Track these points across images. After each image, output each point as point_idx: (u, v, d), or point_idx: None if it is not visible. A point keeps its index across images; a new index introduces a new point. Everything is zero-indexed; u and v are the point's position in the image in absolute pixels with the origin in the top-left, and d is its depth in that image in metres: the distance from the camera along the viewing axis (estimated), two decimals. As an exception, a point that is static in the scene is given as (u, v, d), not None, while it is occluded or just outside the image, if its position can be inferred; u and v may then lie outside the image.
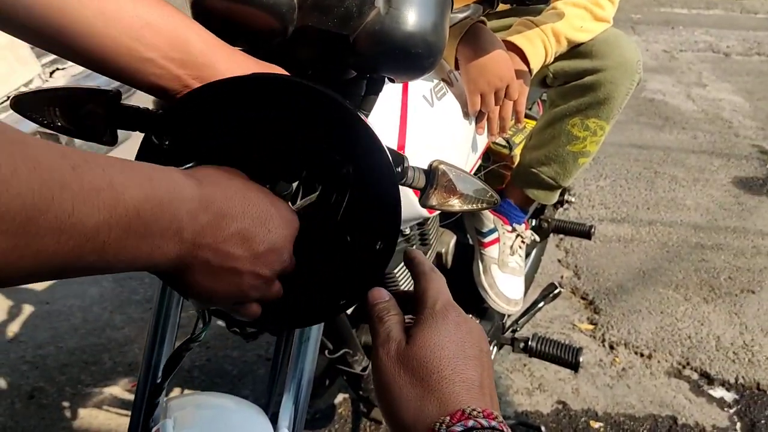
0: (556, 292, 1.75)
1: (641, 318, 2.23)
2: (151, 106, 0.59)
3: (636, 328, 2.18)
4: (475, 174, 1.04)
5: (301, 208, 0.54)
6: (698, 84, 4.64)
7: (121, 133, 0.59)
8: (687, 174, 3.30)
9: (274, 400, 0.91)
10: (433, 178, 0.63)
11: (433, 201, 0.65)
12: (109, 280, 2.40)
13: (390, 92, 0.89)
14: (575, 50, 1.25)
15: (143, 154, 0.51)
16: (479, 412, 0.42)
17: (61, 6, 0.47)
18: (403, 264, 1.14)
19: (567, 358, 1.57)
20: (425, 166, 0.64)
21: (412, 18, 0.56)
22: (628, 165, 3.39)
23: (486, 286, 1.47)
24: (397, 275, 1.16)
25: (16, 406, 1.84)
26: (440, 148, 1.00)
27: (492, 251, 1.48)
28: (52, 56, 2.64)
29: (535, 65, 1.18)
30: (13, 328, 2.16)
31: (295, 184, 0.55)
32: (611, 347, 2.10)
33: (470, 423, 0.41)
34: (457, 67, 1.10)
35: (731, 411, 1.86)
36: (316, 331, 0.79)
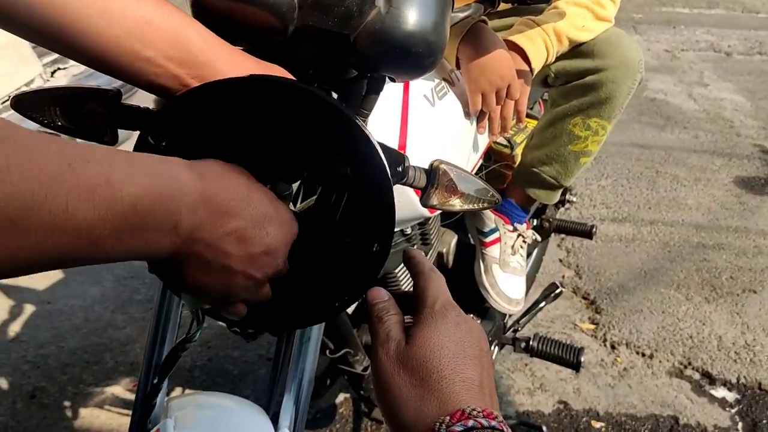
0: (557, 291, 1.74)
1: (643, 318, 2.23)
2: (152, 106, 0.58)
3: (637, 327, 2.18)
4: (476, 174, 1.04)
5: (302, 211, 0.54)
6: (700, 83, 4.64)
7: (122, 132, 0.59)
8: (688, 174, 3.29)
9: (275, 400, 0.91)
10: (434, 177, 0.63)
11: (434, 200, 0.65)
12: (110, 280, 2.40)
13: (391, 91, 0.89)
14: (577, 50, 1.25)
15: None
16: (479, 412, 0.42)
17: (62, 5, 0.47)
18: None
19: (568, 357, 1.57)
20: (426, 166, 0.64)
21: (412, 17, 0.56)
22: (629, 164, 3.39)
23: (487, 285, 1.47)
24: (399, 275, 1.16)
25: (18, 406, 1.84)
26: (441, 148, 0.99)
27: (493, 251, 1.48)
28: (54, 56, 2.65)
29: (537, 65, 1.17)
30: (15, 328, 2.16)
31: (295, 186, 0.55)
32: (613, 347, 2.10)
33: (470, 423, 0.41)
34: (458, 67, 1.10)
35: (733, 411, 1.86)
36: (317, 331, 0.79)
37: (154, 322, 0.80)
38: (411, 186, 0.63)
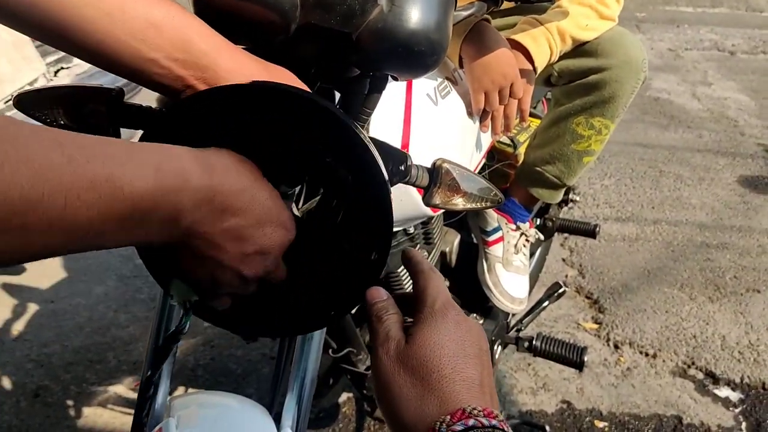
0: (560, 291, 1.74)
1: (646, 317, 2.23)
2: (154, 105, 0.58)
3: (641, 327, 2.18)
4: (479, 173, 1.03)
5: (305, 213, 0.54)
6: (703, 83, 4.63)
7: (125, 131, 0.59)
8: (692, 173, 3.29)
9: (278, 400, 0.91)
10: (436, 176, 0.63)
11: (437, 200, 0.65)
12: (113, 279, 2.40)
13: (393, 90, 0.89)
14: (580, 49, 1.25)
15: None
16: (479, 411, 0.42)
17: (65, 4, 0.47)
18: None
19: (571, 357, 1.56)
20: (429, 165, 0.64)
21: (415, 16, 0.56)
22: (633, 164, 3.38)
23: (490, 284, 1.47)
24: (401, 275, 1.16)
25: (22, 405, 1.85)
26: (444, 147, 0.99)
27: (496, 250, 1.48)
28: (57, 55, 2.65)
29: (540, 64, 1.17)
30: (18, 327, 2.17)
31: (297, 188, 0.54)
32: (616, 346, 2.10)
33: (471, 422, 0.41)
34: (461, 66, 1.10)
35: (736, 410, 1.85)
36: (319, 331, 0.79)
37: (157, 321, 0.80)
38: (414, 185, 0.63)
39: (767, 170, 3.31)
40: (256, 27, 0.57)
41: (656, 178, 3.23)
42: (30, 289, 2.33)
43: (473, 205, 0.67)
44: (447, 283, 1.36)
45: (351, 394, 1.85)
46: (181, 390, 1.90)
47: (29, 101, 0.59)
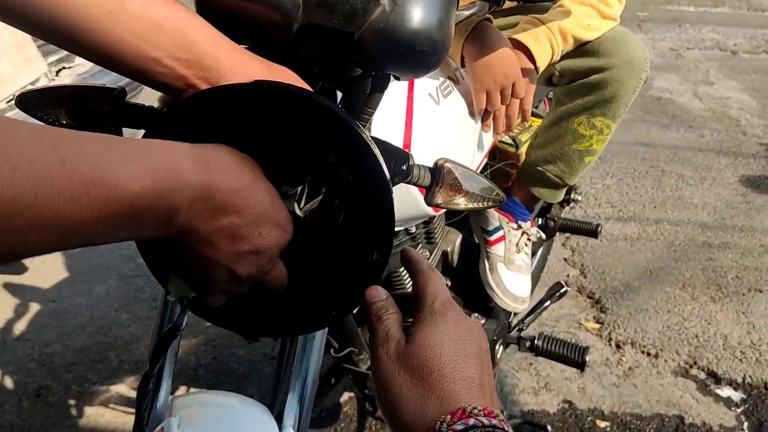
0: (562, 291, 1.74)
1: (648, 317, 2.23)
2: (156, 104, 0.58)
3: (642, 327, 2.18)
4: (481, 172, 1.03)
5: (307, 213, 0.54)
6: (705, 82, 4.63)
7: (127, 130, 0.59)
8: (694, 173, 3.28)
9: (280, 399, 0.91)
10: (438, 176, 0.63)
11: (439, 199, 0.65)
12: (115, 279, 2.40)
13: (396, 90, 0.89)
14: (582, 48, 1.25)
15: None
16: (480, 411, 0.42)
17: (68, 4, 0.47)
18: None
19: (573, 357, 1.56)
20: (431, 164, 0.64)
21: (417, 15, 0.56)
22: (634, 163, 3.38)
23: (492, 284, 1.47)
24: (403, 275, 1.16)
25: (23, 404, 1.85)
26: (446, 147, 0.99)
27: (498, 249, 1.48)
28: (59, 55, 2.65)
29: (542, 63, 1.17)
30: (20, 327, 2.17)
31: (299, 188, 0.54)
32: (618, 346, 2.09)
33: (471, 421, 0.41)
34: (463, 65, 1.10)
35: (738, 410, 1.85)
36: (321, 331, 0.79)
37: (159, 320, 0.80)
38: (415, 185, 0.63)
39: (769, 170, 3.31)
40: (258, 26, 0.57)
41: (658, 177, 3.23)
42: (31, 289, 2.33)
43: (475, 205, 0.67)
44: (449, 283, 1.36)
45: (352, 394, 1.85)
46: (182, 389, 1.90)
47: (31, 101, 0.59)
